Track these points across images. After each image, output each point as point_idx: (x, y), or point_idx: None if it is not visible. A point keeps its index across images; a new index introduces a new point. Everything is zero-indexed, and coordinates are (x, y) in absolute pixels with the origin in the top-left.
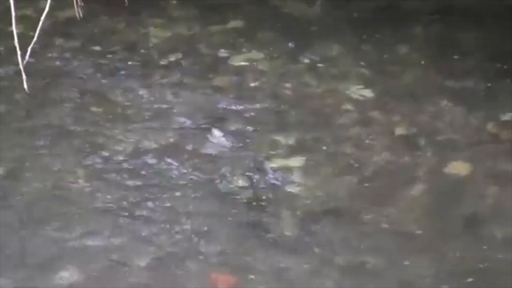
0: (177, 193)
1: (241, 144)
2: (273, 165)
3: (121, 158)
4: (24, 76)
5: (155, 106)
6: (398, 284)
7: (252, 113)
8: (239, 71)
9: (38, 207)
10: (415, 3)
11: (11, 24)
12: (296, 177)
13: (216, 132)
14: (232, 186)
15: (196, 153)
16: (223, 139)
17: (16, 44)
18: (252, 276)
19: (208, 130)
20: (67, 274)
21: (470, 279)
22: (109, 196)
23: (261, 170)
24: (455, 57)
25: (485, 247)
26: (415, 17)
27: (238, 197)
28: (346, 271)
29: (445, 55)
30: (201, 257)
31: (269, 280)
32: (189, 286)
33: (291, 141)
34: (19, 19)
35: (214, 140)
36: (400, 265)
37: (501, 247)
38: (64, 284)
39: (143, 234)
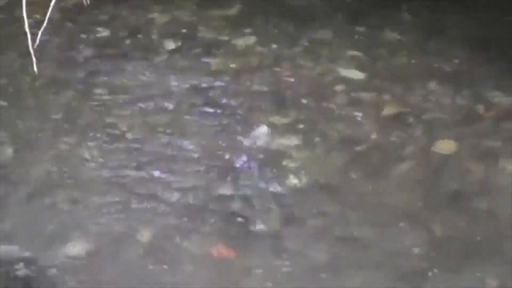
0: (186, 168)
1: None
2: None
3: (128, 135)
4: (34, 59)
5: (158, 86)
6: (387, 254)
7: (248, 90)
8: (237, 55)
9: (47, 184)
10: None
11: (22, 11)
12: (292, 154)
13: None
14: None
15: (197, 128)
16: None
17: (27, 29)
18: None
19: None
20: (76, 245)
21: (457, 250)
22: (115, 172)
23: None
24: (442, 41)
25: (469, 219)
26: (404, 3)
27: None
28: (339, 242)
29: (432, 39)
30: (207, 228)
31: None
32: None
33: (287, 120)
34: (29, 5)
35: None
36: (390, 236)
37: (484, 220)
38: (73, 254)
39: (149, 207)
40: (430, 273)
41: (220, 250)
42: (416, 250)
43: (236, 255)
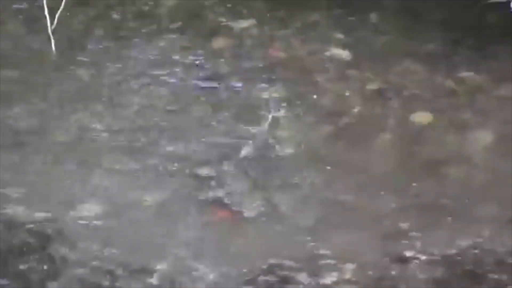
0: (189, 134)
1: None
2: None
3: (135, 107)
4: (52, 40)
5: (164, 62)
6: (370, 216)
7: (244, 67)
8: (235, 36)
9: (62, 153)
10: None
11: None
12: (282, 124)
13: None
14: None
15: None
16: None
17: (46, 13)
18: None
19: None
20: (89, 208)
21: (432, 211)
22: (126, 139)
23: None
24: (419, 24)
25: (443, 184)
26: None
27: None
28: (325, 205)
29: (411, 23)
30: (210, 194)
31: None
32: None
33: (280, 93)
34: None
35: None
36: (371, 200)
37: (456, 184)
38: (87, 216)
39: (157, 175)
40: (408, 233)
41: (219, 213)
42: (395, 212)
43: (232, 218)
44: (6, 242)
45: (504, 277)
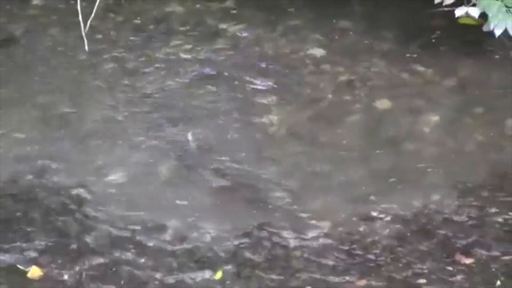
0: (198, 118)
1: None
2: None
3: (154, 94)
4: (85, 41)
5: (175, 58)
6: (341, 183)
7: (240, 64)
8: (233, 37)
9: (93, 132)
10: None
11: (76, 4)
12: (270, 109)
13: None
14: None
15: (202, 90)
16: None
17: (80, 19)
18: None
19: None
20: (115, 177)
21: (392, 179)
22: (144, 120)
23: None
24: (380, 26)
25: (400, 157)
26: (377, 1)
27: None
28: (306, 175)
29: (374, 26)
30: (212, 166)
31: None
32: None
33: (268, 84)
34: (82, 1)
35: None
36: (343, 170)
37: (412, 159)
38: (113, 184)
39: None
40: (372, 197)
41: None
42: (362, 180)
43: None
44: (47, 204)
45: (449, 232)
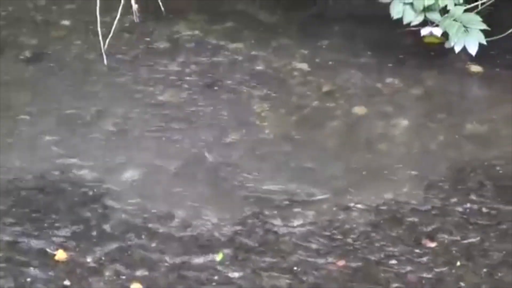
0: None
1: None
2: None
3: (164, 99)
4: (104, 56)
5: (181, 70)
6: (324, 178)
7: (237, 76)
8: (231, 54)
9: (110, 134)
10: (333, 13)
11: (97, 26)
12: (263, 115)
13: None
14: None
15: (207, 100)
16: None
17: (100, 38)
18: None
19: (211, 85)
20: (130, 174)
21: (367, 175)
22: (153, 129)
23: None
24: (358, 45)
25: (373, 156)
26: (333, 21)
27: None
28: (294, 171)
29: (352, 43)
30: (214, 163)
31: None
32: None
33: (262, 92)
34: (101, 23)
35: None
36: (326, 167)
37: (385, 157)
38: (129, 179)
39: (177, 152)
40: (350, 190)
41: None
42: (341, 175)
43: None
44: (71, 196)
45: (416, 220)
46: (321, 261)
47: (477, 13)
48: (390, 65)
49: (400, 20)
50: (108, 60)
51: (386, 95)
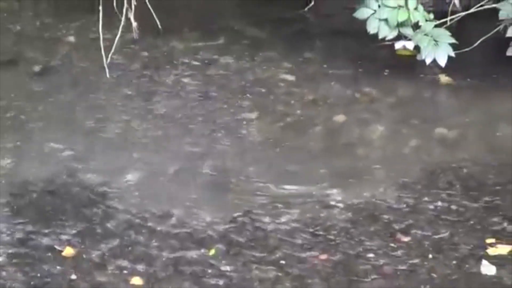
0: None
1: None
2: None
3: (162, 111)
4: (107, 70)
5: (177, 83)
6: (308, 179)
7: (228, 87)
8: (222, 67)
9: (113, 140)
10: (316, 29)
11: (100, 42)
12: (252, 122)
13: None
14: None
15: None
16: None
17: (103, 53)
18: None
19: (204, 96)
20: (131, 177)
21: (347, 176)
22: (152, 135)
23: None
24: (337, 58)
25: (352, 159)
26: (316, 36)
27: None
28: (280, 173)
29: (332, 56)
30: (208, 167)
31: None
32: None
33: (250, 103)
34: (104, 39)
35: None
36: (309, 170)
37: (363, 160)
38: (130, 182)
39: (174, 156)
40: (331, 190)
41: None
42: (323, 177)
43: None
44: (78, 198)
45: (391, 217)
46: (305, 255)
47: (446, 28)
48: (367, 76)
49: (376, 35)
50: (110, 73)
51: (363, 103)
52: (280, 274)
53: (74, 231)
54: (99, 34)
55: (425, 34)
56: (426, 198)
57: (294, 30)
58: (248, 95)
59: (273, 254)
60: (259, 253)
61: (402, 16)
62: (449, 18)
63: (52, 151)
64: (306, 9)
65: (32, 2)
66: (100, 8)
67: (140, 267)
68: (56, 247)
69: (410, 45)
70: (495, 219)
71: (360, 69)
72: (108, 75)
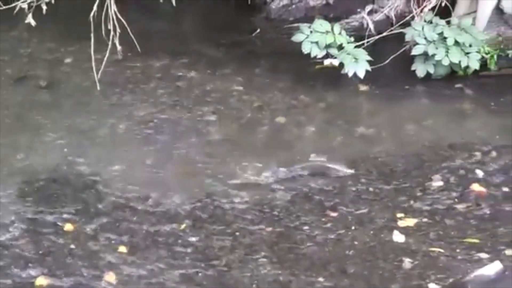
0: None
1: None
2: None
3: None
4: (97, 83)
5: (153, 93)
6: (257, 168)
7: (193, 95)
8: (188, 80)
9: (103, 140)
10: (262, 50)
11: (91, 62)
12: (212, 124)
13: None
14: None
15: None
16: None
17: (94, 70)
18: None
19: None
20: (117, 167)
21: (286, 165)
22: (135, 136)
23: None
24: (280, 72)
25: (291, 153)
26: (262, 56)
27: None
28: (234, 163)
29: (275, 72)
30: (179, 160)
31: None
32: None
33: (210, 108)
34: (95, 60)
35: None
36: (257, 160)
37: (299, 152)
38: (116, 171)
39: (153, 151)
40: (273, 176)
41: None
42: (267, 165)
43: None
44: (75, 184)
45: (322, 197)
46: (254, 228)
47: (364, 48)
48: (302, 86)
49: (309, 54)
50: (100, 86)
51: (300, 108)
52: (234, 243)
53: (72, 211)
54: (91, 56)
55: (348, 53)
56: (349, 182)
57: (244, 51)
58: (208, 102)
59: (229, 227)
60: (218, 227)
61: (329, 39)
62: (366, 40)
63: (54, 148)
64: (253, 34)
65: (38, 31)
66: (92, 35)
67: (125, 238)
68: (59, 223)
69: (336, 62)
70: (404, 198)
71: (296, 81)
72: (98, 88)
